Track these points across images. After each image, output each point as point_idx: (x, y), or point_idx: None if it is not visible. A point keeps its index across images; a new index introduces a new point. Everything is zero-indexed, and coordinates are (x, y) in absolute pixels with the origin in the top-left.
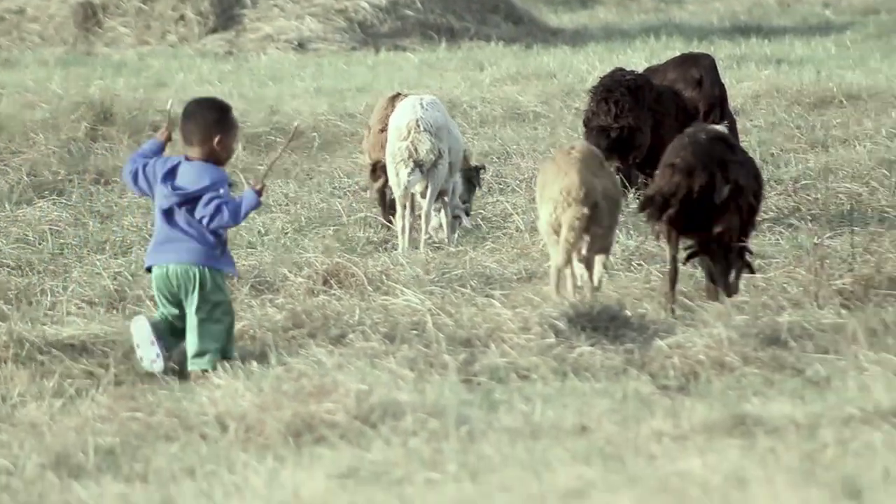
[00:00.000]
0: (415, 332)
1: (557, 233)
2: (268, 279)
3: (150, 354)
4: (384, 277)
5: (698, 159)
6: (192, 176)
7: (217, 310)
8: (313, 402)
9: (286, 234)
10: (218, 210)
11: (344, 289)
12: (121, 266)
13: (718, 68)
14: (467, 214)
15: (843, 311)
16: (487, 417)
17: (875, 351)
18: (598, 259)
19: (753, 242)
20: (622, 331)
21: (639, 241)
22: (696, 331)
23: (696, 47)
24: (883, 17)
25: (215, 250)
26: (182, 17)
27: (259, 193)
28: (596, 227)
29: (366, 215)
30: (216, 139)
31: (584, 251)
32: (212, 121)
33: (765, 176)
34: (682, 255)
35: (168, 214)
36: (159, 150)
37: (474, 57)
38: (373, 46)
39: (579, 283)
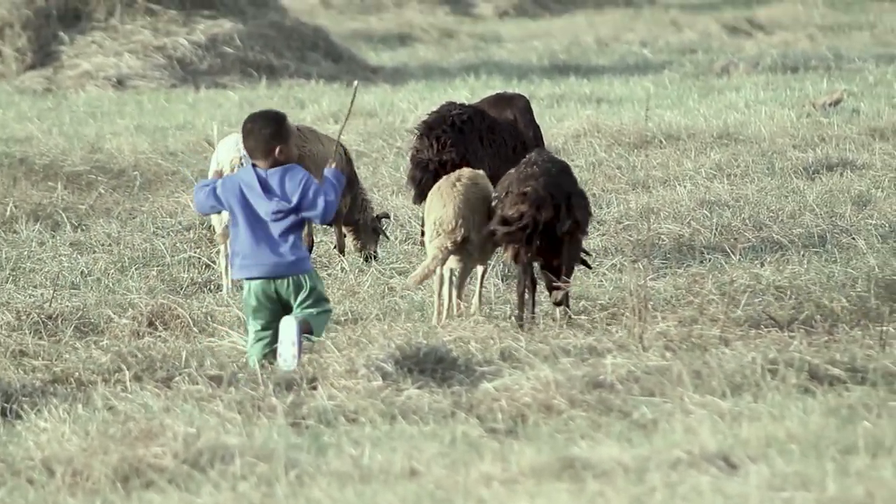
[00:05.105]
0: (242, 374)
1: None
2: (92, 321)
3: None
4: (209, 319)
5: (548, 192)
6: (285, 184)
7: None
8: (141, 446)
9: (109, 274)
10: (317, 195)
11: (169, 330)
12: None
13: (533, 108)
14: (375, 259)
15: (668, 354)
16: (316, 461)
17: (700, 393)
18: (479, 269)
19: (577, 283)
20: (449, 373)
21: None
22: (523, 373)
23: (516, 86)
24: (700, 56)
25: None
26: None
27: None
28: (467, 255)
29: (189, 255)
30: (277, 150)
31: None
32: (269, 135)
33: None
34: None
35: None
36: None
37: (295, 95)
38: (192, 84)
39: (455, 312)
